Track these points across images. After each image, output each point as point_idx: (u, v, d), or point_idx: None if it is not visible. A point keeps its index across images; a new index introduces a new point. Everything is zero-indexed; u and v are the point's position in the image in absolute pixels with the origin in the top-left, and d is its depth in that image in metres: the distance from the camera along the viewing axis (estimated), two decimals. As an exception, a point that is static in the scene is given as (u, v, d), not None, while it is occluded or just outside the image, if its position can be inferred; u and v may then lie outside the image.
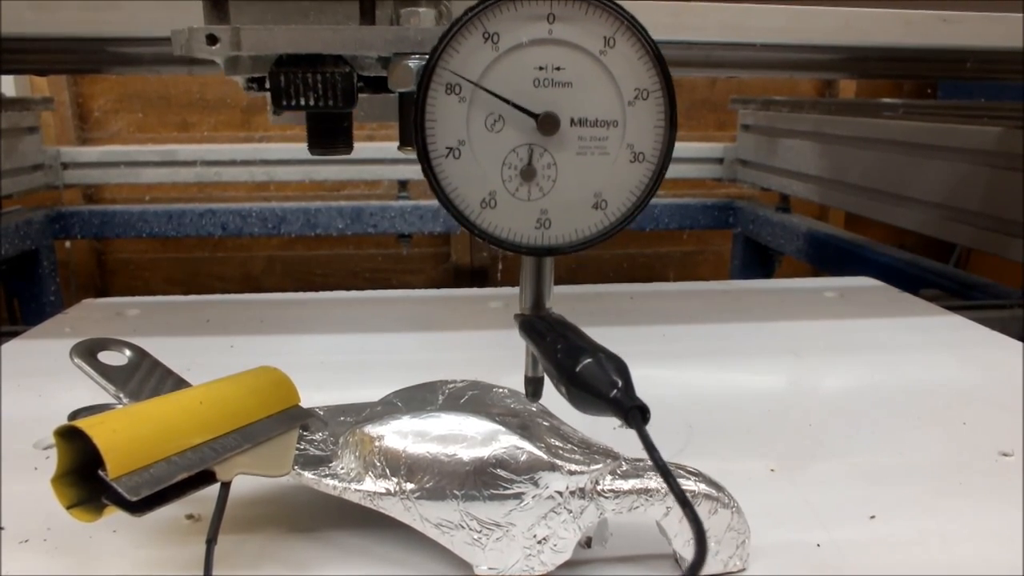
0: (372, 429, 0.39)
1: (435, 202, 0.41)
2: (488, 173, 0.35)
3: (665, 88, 0.34)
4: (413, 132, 0.34)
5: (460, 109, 0.34)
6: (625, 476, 0.37)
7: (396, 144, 0.39)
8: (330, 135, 0.40)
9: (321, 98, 0.38)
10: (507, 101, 0.34)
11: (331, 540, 0.41)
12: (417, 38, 0.36)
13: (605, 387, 0.31)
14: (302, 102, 0.38)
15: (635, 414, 0.30)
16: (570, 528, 0.37)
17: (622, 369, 0.32)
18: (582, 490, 0.37)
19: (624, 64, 0.34)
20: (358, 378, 0.67)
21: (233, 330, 0.78)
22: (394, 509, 0.37)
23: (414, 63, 0.36)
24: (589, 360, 0.32)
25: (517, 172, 0.35)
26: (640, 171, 0.35)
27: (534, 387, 0.40)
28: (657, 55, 0.34)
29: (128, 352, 0.44)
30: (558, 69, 0.34)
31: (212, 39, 0.36)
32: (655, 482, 0.37)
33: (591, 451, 0.38)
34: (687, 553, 0.37)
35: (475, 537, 0.37)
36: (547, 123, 0.34)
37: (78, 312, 0.84)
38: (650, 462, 0.38)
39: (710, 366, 0.70)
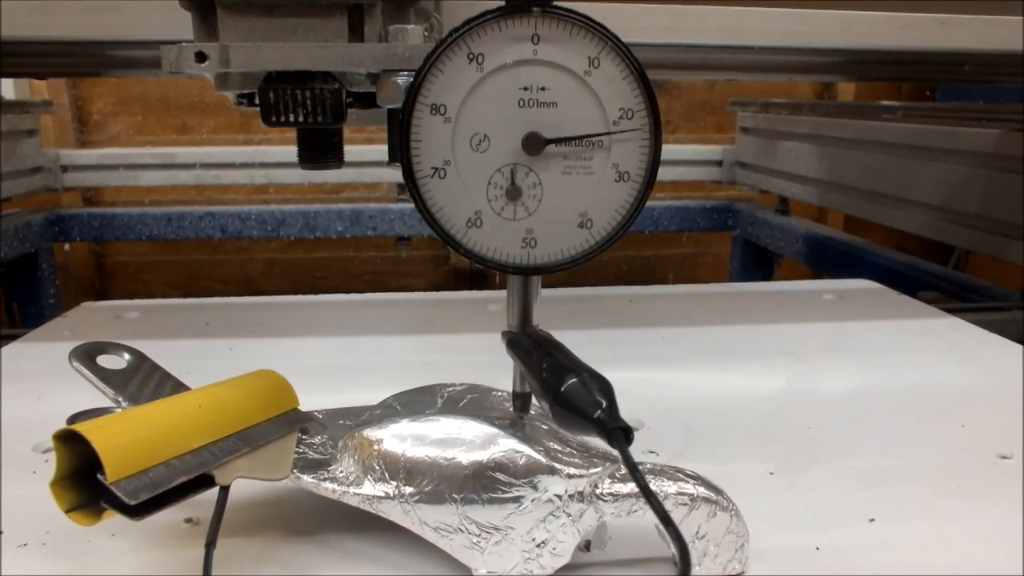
0: (371, 433, 0.39)
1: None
2: (474, 193, 0.35)
3: (650, 108, 0.35)
4: (399, 152, 0.34)
5: (445, 129, 0.34)
6: (624, 479, 0.37)
7: (393, 149, 0.39)
8: (320, 150, 0.40)
9: (310, 114, 0.38)
10: (491, 122, 0.34)
11: (330, 543, 0.41)
12: (405, 55, 0.36)
13: (589, 407, 0.32)
14: (291, 118, 0.38)
15: (618, 435, 0.30)
16: (569, 531, 0.37)
17: (606, 389, 0.32)
18: (581, 493, 0.37)
19: (608, 84, 0.34)
20: (357, 381, 0.67)
21: (232, 333, 0.78)
22: (393, 513, 0.37)
23: (403, 79, 0.36)
24: (574, 380, 0.32)
25: (503, 192, 0.35)
26: (625, 190, 0.36)
27: (522, 402, 0.40)
28: (642, 75, 0.34)
29: (127, 356, 0.44)
30: (543, 89, 0.34)
31: (201, 56, 0.36)
32: (654, 485, 0.37)
33: (590, 454, 0.38)
34: (686, 556, 0.37)
35: (474, 541, 0.37)
36: (532, 143, 0.34)
37: (77, 315, 0.84)
38: (648, 466, 0.38)
39: (709, 368, 0.70)
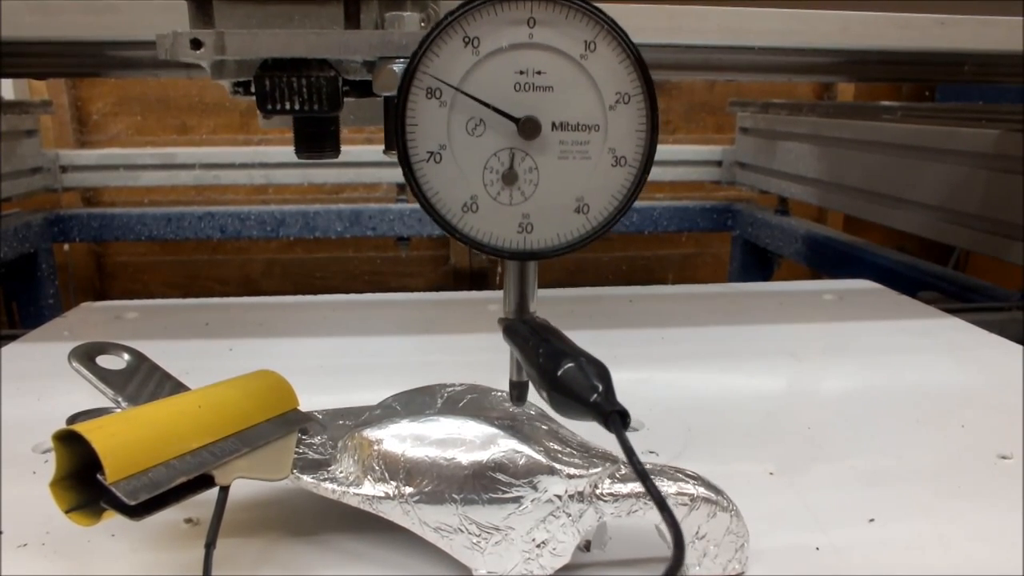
0: (371, 433, 0.39)
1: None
2: (470, 177, 0.35)
3: (646, 92, 0.34)
4: (394, 136, 0.34)
5: (441, 113, 0.34)
6: (624, 480, 0.37)
7: (390, 148, 0.39)
8: (317, 139, 0.40)
9: (306, 102, 0.38)
10: (488, 105, 0.34)
11: (330, 544, 0.41)
12: (402, 42, 0.36)
13: (586, 391, 0.31)
14: (287, 106, 0.38)
15: (615, 419, 0.30)
16: (569, 532, 0.37)
17: (603, 374, 0.32)
18: (581, 494, 0.37)
19: (605, 68, 0.34)
20: (357, 381, 0.67)
21: (232, 333, 0.78)
22: (393, 513, 0.37)
23: (399, 67, 0.36)
24: (570, 364, 0.32)
25: (499, 176, 0.35)
26: (622, 175, 0.35)
27: (519, 392, 0.40)
28: (638, 59, 0.34)
29: (127, 356, 0.44)
30: (539, 73, 0.34)
31: (196, 43, 0.36)
32: (654, 485, 0.37)
33: (590, 455, 0.38)
34: (689, 557, 0.37)
35: (474, 541, 0.37)
36: (528, 127, 0.34)
37: (77, 315, 0.84)
38: (648, 467, 0.38)
39: (709, 369, 0.70)
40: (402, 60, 0.36)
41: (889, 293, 0.94)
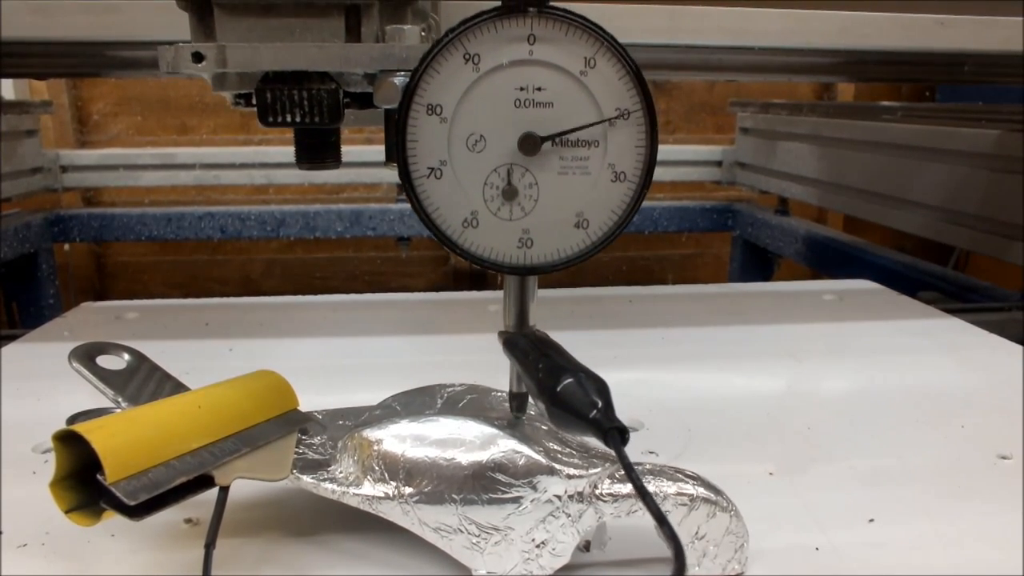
0: (371, 433, 0.39)
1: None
2: (470, 193, 0.35)
3: (646, 108, 0.35)
4: (395, 152, 0.34)
5: (441, 130, 0.34)
6: (623, 480, 0.37)
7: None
8: (318, 150, 0.41)
9: (307, 114, 0.38)
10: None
11: (330, 544, 0.41)
12: (402, 55, 0.36)
13: (585, 408, 0.32)
14: (288, 119, 0.38)
15: (614, 435, 0.31)
16: (569, 532, 0.37)
17: (602, 390, 0.32)
18: (580, 494, 0.37)
19: (605, 84, 0.34)
20: (357, 382, 0.67)
21: (232, 333, 0.78)
22: (393, 513, 0.37)
23: (399, 80, 0.36)
24: (570, 380, 0.32)
25: (499, 192, 0.35)
26: (622, 190, 0.36)
27: (518, 403, 0.40)
28: (638, 75, 0.34)
29: (127, 356, 0.44)
30: (539, 89, 0.34)
31: (198, 57, 0.36)
32: (653, 486, 0.37)
33: (589, 455, 0.38)
34: (689, 557, 0.37)
35: (474, 541, 0.37)
36: (528, 143, 0.34)
37: (77, 315, 0.84)
38: (647, 467, 0.38)
39: (709, 369, 0.70)
40: (403, 73, 0.36)
41: (889, 293, 0.94)
